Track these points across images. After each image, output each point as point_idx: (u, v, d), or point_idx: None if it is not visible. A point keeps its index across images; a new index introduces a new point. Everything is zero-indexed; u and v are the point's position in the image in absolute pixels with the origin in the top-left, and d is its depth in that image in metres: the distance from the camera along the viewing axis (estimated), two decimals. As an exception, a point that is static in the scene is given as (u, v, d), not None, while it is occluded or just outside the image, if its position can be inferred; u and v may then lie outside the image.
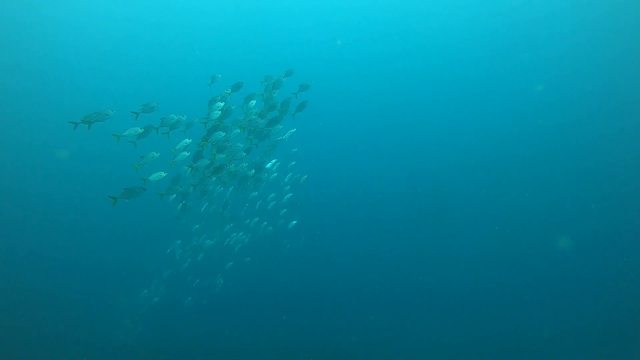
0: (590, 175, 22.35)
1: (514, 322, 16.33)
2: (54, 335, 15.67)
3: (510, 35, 29.03)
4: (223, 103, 7.74)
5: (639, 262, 17.66)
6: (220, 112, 7.67)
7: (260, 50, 31.85)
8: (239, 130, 8.49)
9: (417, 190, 24.61)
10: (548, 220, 20.67)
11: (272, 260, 18.56)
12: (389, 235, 22.30)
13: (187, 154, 7.60)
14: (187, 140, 7.99)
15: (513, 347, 15.37)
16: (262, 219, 13.93)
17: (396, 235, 22.28)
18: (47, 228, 21.89)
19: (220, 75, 8.85)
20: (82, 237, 21.64)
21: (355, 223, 23.39)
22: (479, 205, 22.68)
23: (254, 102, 8.24)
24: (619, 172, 21.90)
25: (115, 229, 21.30)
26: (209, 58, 32.08)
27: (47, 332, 15.84)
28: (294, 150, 12.26)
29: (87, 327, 16.30)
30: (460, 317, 17.06)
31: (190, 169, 8.25)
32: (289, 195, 13.16)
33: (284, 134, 9.18)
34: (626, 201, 20.42)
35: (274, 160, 10.22)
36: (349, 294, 18.73)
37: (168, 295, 16.07)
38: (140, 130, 7.14)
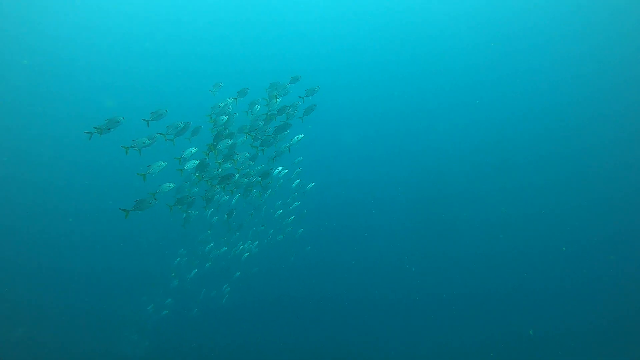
0: (592, 177, 22.07)
1: (517, 324, 16.25)
2: (60, 350, 15.50)
3: (513, 38, 28.94)
4: (230, 108, 7.69)
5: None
6: (226, 117, 7.60)
7: (267, 58, 32.00)
8: (245, 138, 8.41)
9: (423, 196, 24.42)
10: (550, 224, 20.41)
11: (279, 269, 18.40)
12: (395, 242, 22.10)
13: (197, 161, 7.54)
14: (193, 149, 7.93)
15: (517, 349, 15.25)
16: (269, 227, 13.81)
17: (402, 241, 22.08)
18: (51, 239, 21.81)
19: (222, 84, 8.81)
20: (87, 247, 21.53)
21: (361, 230, 23.22)
22: (485, 210, 22.45)
23: (258, 106, 8.18)
24: (621, 174, 21.58)
25: (121, 239, 21.18)
26: (214, 65, 32.21)
27: (53, 346, 15.68)
28: (299, 159, 12.12)
29: (95, 342, 16.11)
30: (468, 320, 16.97)
31: (196, 177, 8.17)
32: (296, 203, 13.01)
33: (291, 140, 9.01)
34: (629, 204, 20.10)
35: (280, 168, 10.10)
36: (356, 300, 18.60)
37: (175, 307, 15.88)
38: (149, 142, 7.14)
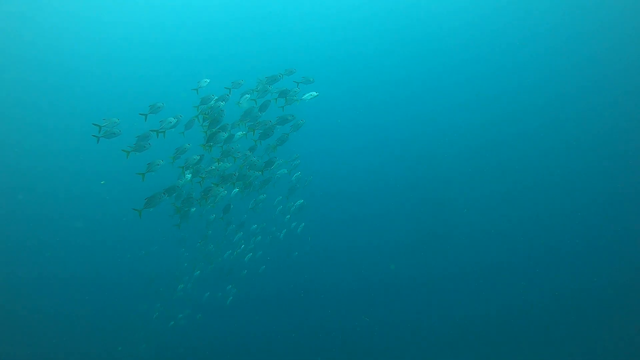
0: (591, 176, 21.87)
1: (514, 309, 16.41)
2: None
3: (513, 35, 28.80)
4: (228, 96, 7.67)
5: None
6: (223, 103, 7.56)
7: (265, 54, 31.80)
8: (242, 133, 8.32)
9: (420, 187, 24.40)
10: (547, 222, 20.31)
11: (284, 266, 18.32)
12: (394, 235, 22.07)
13: (197, 157, 7.50)
14: (187, 145, 7.87)
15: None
16: (270, 224, 13.73)
17: (400, 233, 22.05)
18: (49, 245, 21.52)
19: (208, 80, 8.74)
20: (84, 252, 21.28)
21: (359, 222, 23.18)
22: (484, 207, 22.34)
23: (247, 96, 8.11)
24: (621, 175, 21.33)
25: (121, 242, 20.96)
26: (210, 63, 32.04)
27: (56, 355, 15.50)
28: (296, 155, 12.02)
29: (98, 350, 15.93)
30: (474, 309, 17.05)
31: (187, 174, 8.07)
32: (300, 201, 12.91)
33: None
34: (627, 204, 19.95)
35: (280, 161, 9.98)
36: (358, 291, 18.65)
37: (181, 312, 15.73)
38: (150, 146, 7.16)
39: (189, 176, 8.08)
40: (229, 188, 9.13)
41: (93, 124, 6.97)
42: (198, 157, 7.72)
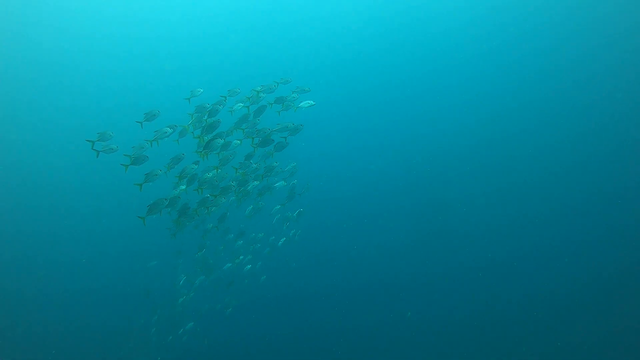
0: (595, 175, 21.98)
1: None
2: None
3: (514, 33, 28.95)
4: (224, 102, 7.65)
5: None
6: (221, 107, 7.54)
7: (262, 61, 31.72)
8: (238, 141, 8.28)
9: (420, 187, 24.44)
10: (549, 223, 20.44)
11: (282, 272, 18.23)
12: (393, 235, 22.07)
13: (196, 166, 7.45)
14: (182, 154, 7.84)
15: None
16: (269, 233, 13.67)
17: (400, 233, 22.06)
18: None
19: (202, 90, 8.71)
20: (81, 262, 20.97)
21: (358, 223, 23.15)
22: (484, 209, 22.41)
23: (240, 104, 8.11)
24: (621, 174, 21.35)
25: (119, 253, 20.70)
26: (208, 72, 31.87)
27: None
28: (293, 164, 11.99)
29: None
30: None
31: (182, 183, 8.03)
32: (299, 210, 12.86)
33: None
34: (629, 203, 19.74)
35: (278, 169, 9.93)
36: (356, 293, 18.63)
37: (180, 328, 15.51)
38: (147, 158, 7.13)
39: (183, 186, 8.03)
40: (227, 197, 9.06)
41: (86, 140, 6.91)
42: (194, 166, 7.68)
